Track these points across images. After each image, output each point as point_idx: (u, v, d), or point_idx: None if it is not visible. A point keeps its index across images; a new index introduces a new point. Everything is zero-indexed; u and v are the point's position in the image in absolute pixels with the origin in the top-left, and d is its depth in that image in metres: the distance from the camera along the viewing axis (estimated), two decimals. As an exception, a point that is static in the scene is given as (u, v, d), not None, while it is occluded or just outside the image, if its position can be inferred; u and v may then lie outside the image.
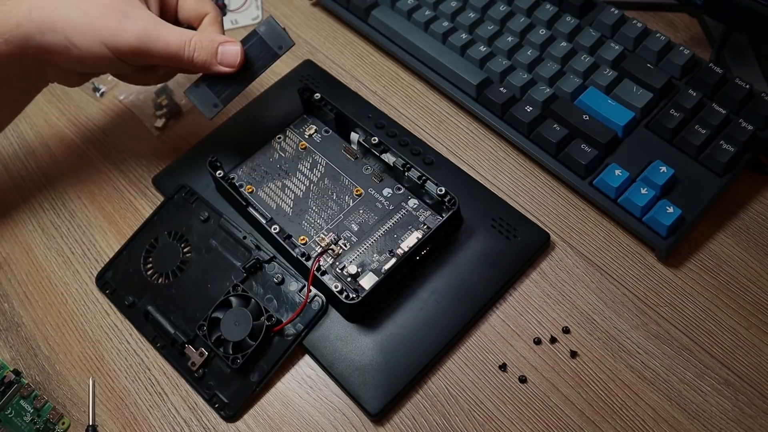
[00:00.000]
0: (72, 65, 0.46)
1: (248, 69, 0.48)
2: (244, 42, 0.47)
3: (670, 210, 0.45)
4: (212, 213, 0.50)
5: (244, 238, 0.48)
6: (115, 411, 0.46)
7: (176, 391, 0.46)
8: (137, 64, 0.46)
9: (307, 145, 0.53)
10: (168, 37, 0.44)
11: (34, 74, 0.48)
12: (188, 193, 0.52)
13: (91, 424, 0.45)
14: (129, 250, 0.51)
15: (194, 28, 0.49)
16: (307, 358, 0.46)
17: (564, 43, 0.53)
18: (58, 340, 0.49)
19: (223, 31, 0.49)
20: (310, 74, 0.58)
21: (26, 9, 0.43)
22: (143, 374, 0.47)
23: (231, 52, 0.46)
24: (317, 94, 0.52)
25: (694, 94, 0.49)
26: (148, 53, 0.44)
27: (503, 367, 0.44)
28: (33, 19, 0.43)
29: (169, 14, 0.49)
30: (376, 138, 0.49)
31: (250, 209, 0.48)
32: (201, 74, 0.49)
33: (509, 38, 0.54)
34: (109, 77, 0.62)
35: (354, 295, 0.44)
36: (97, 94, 0.61)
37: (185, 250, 0.50)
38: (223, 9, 0.65)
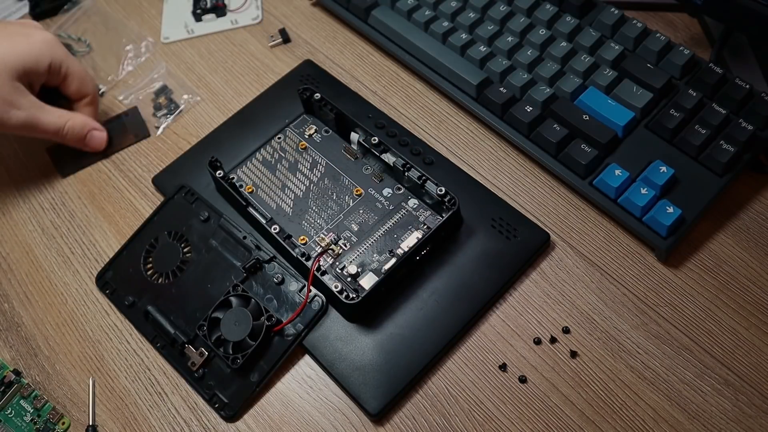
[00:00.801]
0: None
1: (107, 146, 0.57)
2: (109, 122, 0.58)
3: (670, 210, 0.45)
4: (212, 213, 0.50)
5: (244, 238, 0.48)
6: (115, 411, 0.46)
7: (176, 391, 0.46)
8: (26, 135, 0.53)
9: (307, 145, 0.53)
10: (47, 124, 0.53)
11: None
12: (188, 193, 0.52)
13: (91, 424, 0.45)
14: (129, 250, 0.51)
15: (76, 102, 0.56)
16: (307, 358, 0.46)
17: (564, 43, 0.53)
18: (58, 340, 0.49)
19: (97, 113, 0.57)
20: (310, 74, 0.58)
21: None
22: (143, 374, 0.47)
23: (97, 139, 0.56)
24: (317, 94, 0.52)
25: (694, 94, 0.49)
26: (32, 132, 0.52)
27: (503, 367, 0.44)
28: None
29: (52, 84, 0.55)
30: (376, 138, 0.49)
31: (250, 209, 0.48)
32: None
33: (509, 38, 0.54)
34: (110, 77, 0.62)
35: (354, 295, 0.44)
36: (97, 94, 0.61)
37: (185, 250, 0.49)
38: (223, 9, 0.65)
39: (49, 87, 0.55)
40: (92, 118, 0.56)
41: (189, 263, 0.49)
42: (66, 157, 0.57)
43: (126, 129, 0.58)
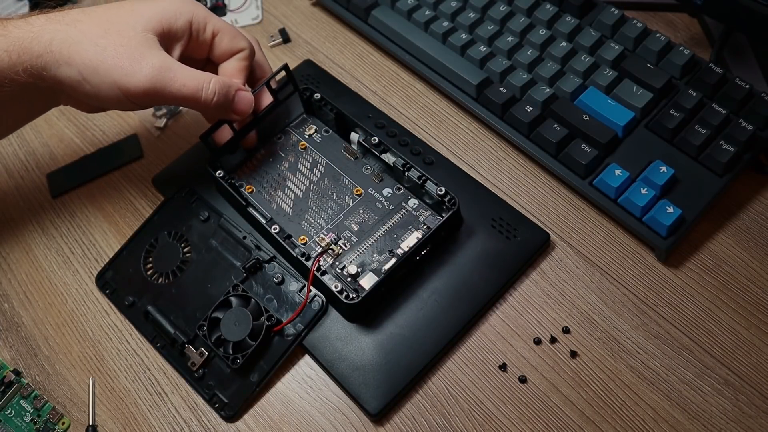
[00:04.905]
0: (84, 99, 0.45)
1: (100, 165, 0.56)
2: (107, 147, 0.56)
3: (670, 210, 0.45)
4: (212, 213, 0.50)
5: (244, 238, 0.48)
6: (115, 411, 0.46)
7: (176, 391, 0.46)
8: (149, 106, 0.45)
9: (307, 145, 0.53)
10: (184, 78, 0.43)
11: (49, 97, 0.47)
12: (188, 193, 0.52)
13: (91, 424, 0.45)
14: (129, 250, 0.51)
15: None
16: (307, 358, 0.46)
17: (564, 43, 0.53)
18: (58, 340, 0.49)
19: (248, 71, 0.48)
20: (310, 74, 0.58)
21: (48, 39, 0.42)
22: (143, 374, 0.47)
23: (244, 100, 0.46)
24: (317, 94, 0.52)
25: (694, 94, 0.49)
26: (162, 94, 0.43)
27: (503, 367, 0.44)
28: (53, 50, 0.42)
29: (200, 55, 0.48)
30: (376, 138, 0.49)
31: (250, 209, 0.48)
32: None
33: (509, 38, 0.54)
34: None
35: (354, 295, 0.44)
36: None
37: (185, 250, 0.49)
38: (223, 9, 0.65)
39: (194, 52, 0.47)
40: (240, 76, 0.47)
41: (189, 263, 0.49)
42: (60, 178, 0.56)
43: (122, 152, 0.57)
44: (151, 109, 0.59)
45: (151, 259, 0.50)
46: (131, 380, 0.47)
